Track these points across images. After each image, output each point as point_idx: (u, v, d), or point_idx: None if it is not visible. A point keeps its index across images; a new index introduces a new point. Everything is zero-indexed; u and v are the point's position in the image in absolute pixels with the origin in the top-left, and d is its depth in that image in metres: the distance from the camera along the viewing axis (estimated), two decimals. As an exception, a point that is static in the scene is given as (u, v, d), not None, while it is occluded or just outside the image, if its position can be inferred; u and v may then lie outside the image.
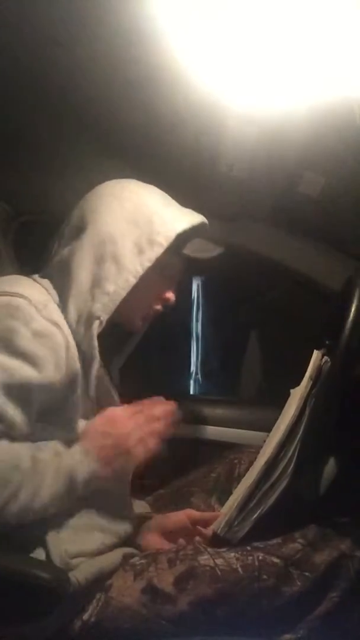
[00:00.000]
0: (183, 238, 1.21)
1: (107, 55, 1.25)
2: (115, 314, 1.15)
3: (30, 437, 1.05)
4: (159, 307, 1.25)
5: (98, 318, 1.12)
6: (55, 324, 1.08)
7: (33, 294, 1.09)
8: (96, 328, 1.12)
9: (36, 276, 1.20)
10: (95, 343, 1.12)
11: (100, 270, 1.13)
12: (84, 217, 1.18)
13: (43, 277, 1.19)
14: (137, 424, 1.12)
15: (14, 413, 1.01)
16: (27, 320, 1.05)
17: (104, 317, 1.12)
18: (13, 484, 0.97)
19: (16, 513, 0.97)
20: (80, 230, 1.17)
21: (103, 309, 1.12)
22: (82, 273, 1.13)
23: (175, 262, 1.24)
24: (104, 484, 1.09)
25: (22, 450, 1.02)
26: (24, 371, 1.02)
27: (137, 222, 1.16)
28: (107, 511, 1.16)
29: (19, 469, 0.99)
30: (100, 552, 1.12)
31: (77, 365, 1.11)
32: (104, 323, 1.12)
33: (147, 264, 1.14)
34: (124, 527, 1.19)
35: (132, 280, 1.13)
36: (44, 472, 1.01)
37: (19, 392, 1.02)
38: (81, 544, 1.09)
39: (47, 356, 1.05)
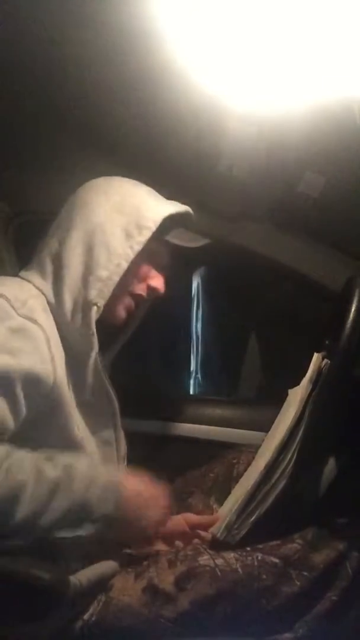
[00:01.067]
0: (169, 227, 1.22)
1: (107, 56, 1.25)
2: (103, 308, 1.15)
3: (20, 434, 1.05)
4: (143, 295, 1.24)
5: (95, 304, 1.13)
6: (34, 321, 1.08)
7: (12, 292, 1.10)
8: (94, 315, 1.13)
9: (23, 272, 1.21)
10: (94, 330, 1.13)
11: (91, 257, 1.14)
12: (72, 211, 1.20)
13: (32, 272, 1.20)
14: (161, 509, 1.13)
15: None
16: (3, 318, 1.05)
17: (101, 303, 1.13)
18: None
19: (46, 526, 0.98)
20: (69, 223, 1.19)
21: (98, 294, 1.13)
22: (74, 262, 1.15)
23: (162, 250, 1.25)
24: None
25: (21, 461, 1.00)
26: (3, 361, 1.01)
27: (124, 211, 1.17)
28: None
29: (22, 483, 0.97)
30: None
31: (63, 360, 1.11)
32: (101, 309, 1.13)
33: (138, 248, 1.16)
34: None
35: (124, 264, 1.15)
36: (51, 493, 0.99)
37: (2, 383, 1.01)
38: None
39: (26, 348, 1.05)
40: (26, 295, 1.12)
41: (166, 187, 1.28)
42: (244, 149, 1.48)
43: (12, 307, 1.07)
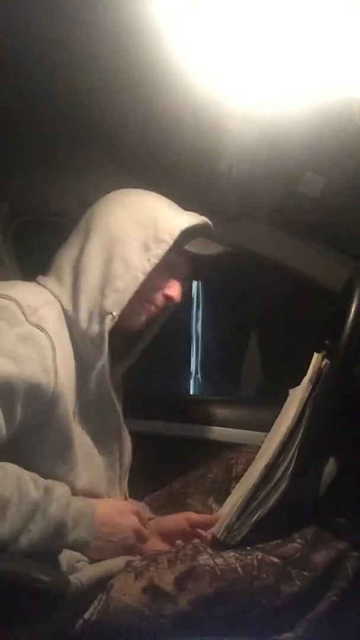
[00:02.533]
0: (187, 238, 1.23)
1: (107, 55, 1.25)
2: (120, 316, 1.16)
3: (13, 444, 1.04)
4: (161, 305, 1.26)
5: (110, 313, 1.13)
6: (42, 329, 1.08)
7: (25, 298, 1.09)
8: (108, 323, 1.13)
9: (41, 278, 1.21)
10: (106, 338, 1.13)
11: (109, 269, 1.15)
12: (91, 223, 1.21)
13: (50, 278, 1.20)
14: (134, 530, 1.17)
15: None
16: (13, 323, 1.05)
17: (116, 312, 1.14)
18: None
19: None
20: (87, 234, 1.20)
21: (114, 304, 1.14)
22: (92, 273, 1.16)
23: (180, 261, 1.26)
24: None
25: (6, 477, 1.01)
26: (2, 366, 1.01)
27: (142, 223, 1.18)
28: None
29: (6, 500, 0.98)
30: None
31: (69, 371, 1.12)
32: (116, 318, 1.14)
33: (155, 261, 1.16)
34: None
35: (141, 277, 1.15)
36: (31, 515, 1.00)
37: (1, 390, 1.00)
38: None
39: (30, 355, 1.04)
40: (39, 303, 1.12)
41: (166, 187, 1.28)
42: (244, 149, 1.48)
43: (23, 313, 1.07)
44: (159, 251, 1.17)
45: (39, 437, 1.09)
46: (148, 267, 1.16)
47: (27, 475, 1.04)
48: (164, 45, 1.14)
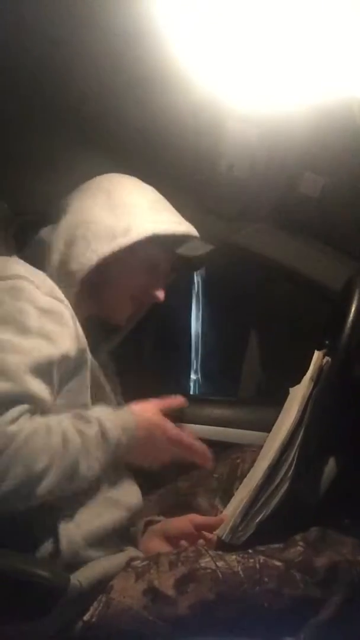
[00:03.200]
0: (172, 240, 1.23)
1: (107, 55, 1.25)
2: (102, 309, 1.20)
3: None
4: (147, 302, 1.27)
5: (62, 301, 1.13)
6: (59, 300, 1.10)
7: (30, 272, 1.11)
8: None
9: (21, 255, 1.22)
10: None
11: (69, 250, 1.16)
12: (68, 203, 1.22)
13: (24, 258, 1.20)
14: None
15: (42, 391, 1.03)
16: (32, 300, 1.06)
17: (66, 302, 1.12)
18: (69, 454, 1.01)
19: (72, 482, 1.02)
20: (62, 214, 1.20)
21: (66, 288, 1.14)
22: (54, 254, 1.17)
23: (164, 260, 1.25)
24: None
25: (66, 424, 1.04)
26: (44, 349, 1.04)
27: (117, 214, 1.18)
28: (118, 485, 1.18)
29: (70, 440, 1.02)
30: (115, 527, 1.13)
31: (84, 337, 1.13)
32: (68, 306, 1.13)
33: (115, 248, 1.15)
34: (134, 500, 1.21)
35: (94, 259, 1.15)
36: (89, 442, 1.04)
37: (43, 369, 1.03)
38: (98, 520, 1.11)
39: (58, 330, 1.07)
40: (41, 275, 1.13)
41: (166, 187, 1.28)
42: (244, 149, 1.48)
43: (37, 287, 1.08)
44: (124, 241, 1.15)
45: (63, 402, 1.10)
46: (106, 252, 1.15)
47: (75, 419, 1.07)
48: (164, 46, 1.13)
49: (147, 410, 1.17)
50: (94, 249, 1.15)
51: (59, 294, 1.11)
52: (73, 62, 1.27)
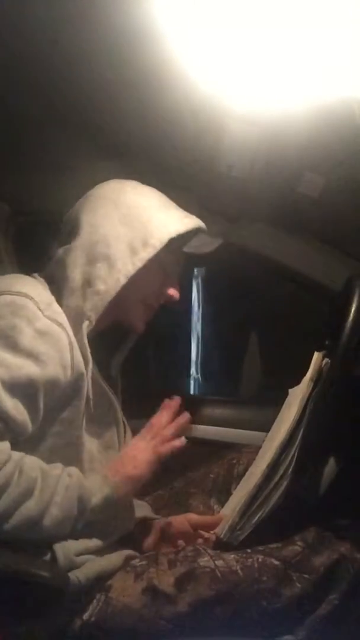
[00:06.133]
0: (181, 239, 1.21)
1: (107, 55, 1.25)
2: (118, 316, 1.18)
3: (34, 439, 1.06)
4: (157, 305, 1.26)
5: (88, 318, 1.12)
6: (59, 324, 1.08)
7: (37, 293, 1.09)
8: (85, 328, 1.12)
9: (36, 275, 1.21)
10: (86, 343, 1.12)
11: (92, 269, 1.14)
12: (79, 218, 1.19)
13: (42, 276, 1.20)
14: (152, 447, 1.16)
15: (17, 412, 1.01)
16: (31, 319, 1.05)
17: (94, 318, 1.12)
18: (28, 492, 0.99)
19: (24, 525, 0.99)
20: (75, 230, 1.18)
21: (92, 308, 1.13)
22: (75, 272, 1.14)
23: (174, 261, 1.25)
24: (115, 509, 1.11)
25: (32, 462, 1.03)
26: (27, 368, 1.02)
27: (132, 225, 1.17)
28: None
29: (33, 479, 1.00)
30: (103, 549, 1.12)
31: (82, 365, 1.11)
32: (93, 323, 1.13)
33: (139, 264, 1.15)
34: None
35: (123, 280, 1.14)
36: (55, 487, 1.02)
37: (23, 390, 1.02)
38: (86, 542, 1.09)
39: (50, 354, 1.05)
40: (49, 298, 1.12)
41: (166, 187, 1.28)
42: (244, 149, 1.48)
43: (39, 308, 1.07)
44: (145, 255, 1.15)
45: (51, 432, 1.09)
46: (132, 271, 1.14)
47: (40, 461, 1.06)
48: (164, 46, 1.13)
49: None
50: (120, 269, 1.14)
51: (62, 318, 1.10)
52: (73, 61, 1.27)
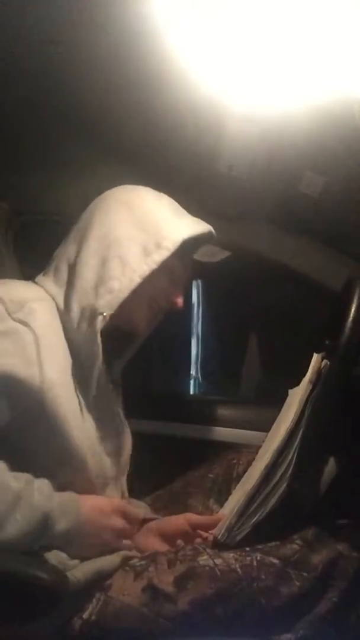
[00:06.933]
0: (190, 245, 1.23)
1: (107, 55, 1.25)
2: (121, 317, 1.17)
3: (11, 444, 1.05)
4: (165, 308, 1.27)
5: (101, 314, 1.13)
6: (25, 324, 1.09)
7: (11, 295, 1.10)
8: (99, 324, 1.13)
9: (39, 277, 1.22)
10: (99, 340, 1.13)
11: (105, 269, 1.15)
12: (92, 220, 1.21)
13: (47, 277, 1.21)
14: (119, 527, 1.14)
15: None
16: None
17: (108, 313, 1.13)
18: None
19: None
20: (88, 232, 1.19)
21: (106, 305, 1.13)
22: (88, 272, 1.15)
23: (182, 267, 1.26)
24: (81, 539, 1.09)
25: None
26: None
27: (145, 228, 1.18)
28: None
29: None
30: (98, 555, 1.12)
31: (63, 367, 1.11)
32: (107, 319, 1.13)
33: (154, 265, 1.16)
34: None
35: (137, 280, 1.15)
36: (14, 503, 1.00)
37: None
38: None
39: (9, 349, 1.06)
40: (28, 298, 1.12)
41: (166, 187, 1.28)
42: (244, 149, 1.48)
43: (7, 310, 1.08)
44: (159, 257, 1.16)
45: (34, 436, 1.09)
46: (147, 270, 1.16)
47: (5, 468, 1.03)
48: (164, 45, 1.14)
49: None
50: (134, 269, 1.15)
51: (34, 318, 1.10)
52: (72, 61, 1.27)
